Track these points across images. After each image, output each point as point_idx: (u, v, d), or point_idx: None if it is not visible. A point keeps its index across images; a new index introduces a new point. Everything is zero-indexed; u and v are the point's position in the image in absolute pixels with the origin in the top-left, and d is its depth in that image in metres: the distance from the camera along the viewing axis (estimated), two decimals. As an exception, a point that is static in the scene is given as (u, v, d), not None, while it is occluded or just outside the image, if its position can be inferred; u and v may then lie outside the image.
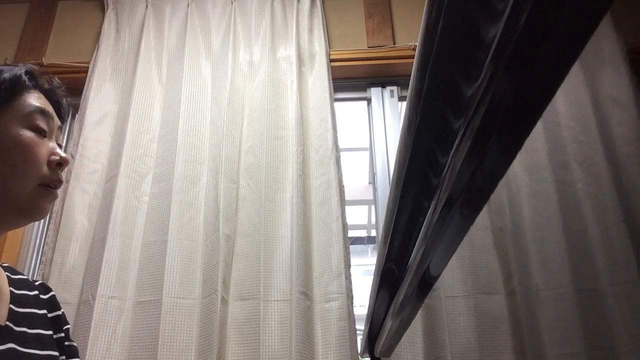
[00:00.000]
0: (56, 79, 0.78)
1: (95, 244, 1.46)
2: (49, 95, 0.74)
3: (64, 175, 0.73)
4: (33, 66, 0.74)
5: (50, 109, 0.73)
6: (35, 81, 0.73)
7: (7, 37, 1.91)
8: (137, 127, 1.63)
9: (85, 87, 1.72)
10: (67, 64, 1.82)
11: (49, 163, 0.69)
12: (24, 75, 0.71)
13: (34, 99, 0.70)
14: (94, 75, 1.73)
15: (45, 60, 1.82)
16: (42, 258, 1.50)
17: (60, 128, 0.75)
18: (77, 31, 1.94)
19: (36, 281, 0.80)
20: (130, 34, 1.83)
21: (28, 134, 0.67)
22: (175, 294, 1.38)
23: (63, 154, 0.71)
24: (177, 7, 1.87)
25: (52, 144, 0.71)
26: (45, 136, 0.70)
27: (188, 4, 1.86)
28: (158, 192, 1.54)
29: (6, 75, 0.69)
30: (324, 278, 1.42)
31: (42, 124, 0.69)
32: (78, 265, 1.46)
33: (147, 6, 1.87)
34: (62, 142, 0.77)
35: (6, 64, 0.75)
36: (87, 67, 1.77)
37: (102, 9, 1.92)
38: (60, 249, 1.47)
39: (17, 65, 0.73)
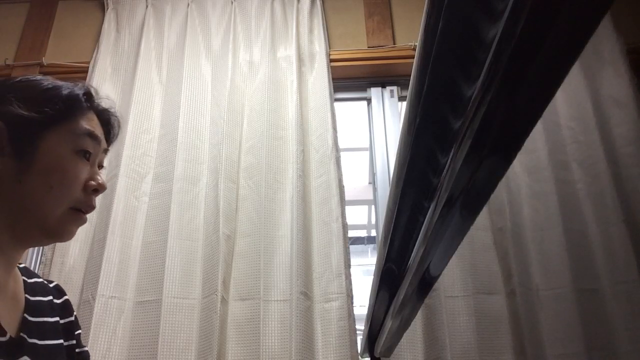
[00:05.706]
0: (110, 97, 0.76)
1: (95, 244, 1.46)
2: (101, 116, 0.73)
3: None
4: (91, 86, 0.74)
5: (99, 132, 0.72)
6: (91, 102, 0.71)
7: (7, 37, 1.90)
8: (137, 127, 1.63)
9: (85, 87, 1.72)
10: (67, 64, 1.82)
11: (85, 187, 0.68)
12: (81, 96, 0.69)
13: (86, 122, 0.69)
14: (94, 76, 1.73)
15: (45, 60, 1.82)
16: (42, 258, 1.50)
17: (106, 151, 0.74)
18: (77, 31, 1.94)
19: (51, 282, 0.80)
20: (130, 34, 1.83)
21: (72, 157, 0.66)
22: (175, 294, 1.38)
23: (101, 180, 0.70)
24: (177, 7, 1.87)
25: (94, 169, 0.70)
26: (88, 160, 0.69)
27: (188, 4, 1.86)
28: (158, 192, 1.54)
29: (64, 92, 0.68)
30: (324, 278, 1.42)
31: (89, 147, 0.68)
32: (78, 265, 1.46)
33: (147, 6, 1.87)
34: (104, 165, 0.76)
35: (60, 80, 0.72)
36: (87, 67, 1.77)
37: (102, 9, 1.92)
38: (60, 249, 1.47)
39: (76, 84, 0.71)
